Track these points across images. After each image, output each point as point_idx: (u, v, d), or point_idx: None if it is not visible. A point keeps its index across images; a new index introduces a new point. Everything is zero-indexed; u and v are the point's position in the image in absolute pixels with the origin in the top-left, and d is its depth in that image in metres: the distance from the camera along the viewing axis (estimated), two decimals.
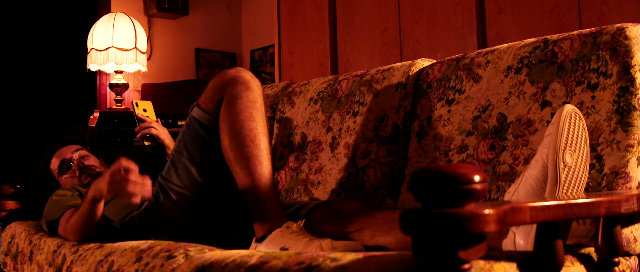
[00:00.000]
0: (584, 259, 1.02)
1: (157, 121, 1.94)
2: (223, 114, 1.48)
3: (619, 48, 1.25)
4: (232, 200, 1.54)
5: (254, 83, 1.50)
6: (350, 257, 0.87)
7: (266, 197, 1.39)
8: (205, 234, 1.49)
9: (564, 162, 1.06)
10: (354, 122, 1.81)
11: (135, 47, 3.12)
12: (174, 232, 1.49)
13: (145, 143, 1.90)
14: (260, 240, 1.34)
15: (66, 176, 1.99)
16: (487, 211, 0.67)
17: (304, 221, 1.39)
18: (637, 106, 1.21)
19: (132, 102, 1.95)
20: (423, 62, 1.75)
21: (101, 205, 1.55)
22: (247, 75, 1.51)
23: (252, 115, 1.46)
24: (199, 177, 1.51)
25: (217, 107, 1.51)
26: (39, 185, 2.28)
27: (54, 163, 2.03)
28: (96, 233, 1.64)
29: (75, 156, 2.02)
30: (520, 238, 1.05)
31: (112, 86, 3.20)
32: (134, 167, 1.38)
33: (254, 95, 1.49)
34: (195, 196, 1.51)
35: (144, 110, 1.94)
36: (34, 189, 2.33)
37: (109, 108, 3.30)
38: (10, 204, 2.24)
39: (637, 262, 1.13)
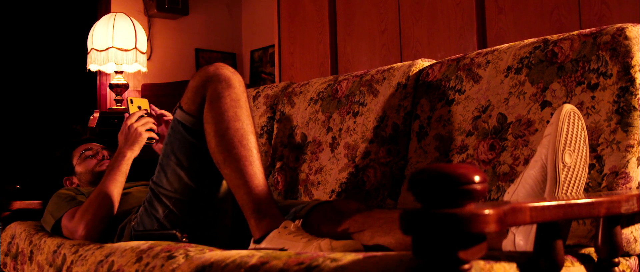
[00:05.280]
0: (584, 259, 1.02)
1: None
2: (206, 115, 1.44)
3: (619, 48, 1.25)
4: (226, 201, 1.52)
5: (236, 79, 1.45)
6: (350, 257, 0.87)
7: (260, 197, 1.36)
8: (202, 237, 1.48)
9: (563, 162, 1.05)
10: (354, 122, 1.80)
11: (135, 47, 3.12)
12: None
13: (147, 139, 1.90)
14: (258, 241, 1.34)
15: (86, 158, 2.01)
16: (487, 211, 0.67)
17: (301, 220, 1.37)
18: (637, 106, 1.21)
19: (127, 98, 1.96)
20: (423, 62, 1.75)
21: (128, 168, 1.73)
22: (228, 72, 1.45)
23: (236, 114, 1.41)
24: (189, 181, 1.48)
25: (200, 108, 1.46)
26: (39, 185, 2.28)
27: (79, 150, 2.05)
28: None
29: (101, 149, 2.08)
30: (520, 238, 1.05)
31: (112, 86, 3.20)
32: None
33: (237, 92, 1.44)
34: (187, 199, 1.48)
35: (139, 107, 1.93)
36: (35, 189, 2.33)
37: (109, 108, 3.30)
38: (12, 204, 2.24)
39: (637, 262, 1.13)
